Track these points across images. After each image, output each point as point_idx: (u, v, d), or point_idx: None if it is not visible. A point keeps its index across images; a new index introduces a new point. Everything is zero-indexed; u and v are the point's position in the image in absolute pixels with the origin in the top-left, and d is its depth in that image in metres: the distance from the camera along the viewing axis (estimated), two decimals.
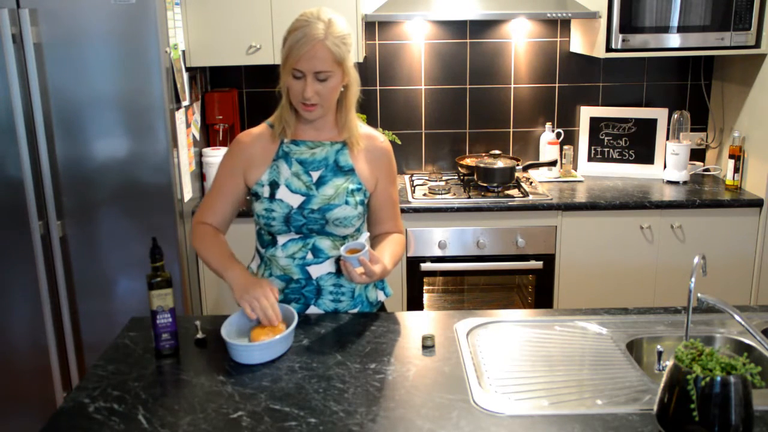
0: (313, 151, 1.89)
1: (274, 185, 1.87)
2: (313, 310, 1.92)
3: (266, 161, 1.90)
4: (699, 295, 1.57)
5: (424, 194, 3.21)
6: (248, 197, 1.95)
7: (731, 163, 3.26)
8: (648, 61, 3.57)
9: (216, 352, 1.71)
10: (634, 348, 1.76)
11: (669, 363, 1.35)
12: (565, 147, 3.55)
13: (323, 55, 1.75)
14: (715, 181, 3.42)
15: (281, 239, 1.90)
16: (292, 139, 1.90)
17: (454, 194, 3.23)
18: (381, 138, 1.96)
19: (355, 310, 1.95)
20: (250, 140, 1.93)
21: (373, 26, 3.49)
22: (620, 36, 3.09)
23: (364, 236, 1.86)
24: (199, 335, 1.77)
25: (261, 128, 1.95)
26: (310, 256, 1.89)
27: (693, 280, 1.54)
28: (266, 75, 3.47)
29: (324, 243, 1.89)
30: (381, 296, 2.02)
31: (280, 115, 1.89)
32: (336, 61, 1.76)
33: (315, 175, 1.88)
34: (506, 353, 1.71)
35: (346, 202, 1.86)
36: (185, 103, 2.97)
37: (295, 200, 1.86)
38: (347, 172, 1.89)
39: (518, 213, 3.09)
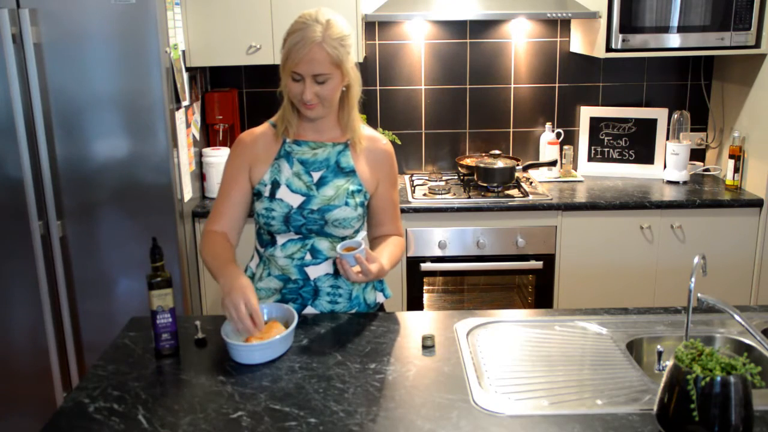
0: (314, 152, 1.89)
1: (275, 184, 1.87)
2: (310, 310, 1.92)
3: (268, 160, 1.90)
4: (699, 295, 1.57)
5: (424, 194, 3.21)
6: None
7: (731, 163, 3.26)
8: (648, 61, 3.57)
9: (216, 352, 1.71)
10: (634, 348, 1.76)
11: (669, 363, 1.35)
12: (565, 147, 3.55)
13: (321, 58, 1.74)
14: (715, 181, 3.42)
15: (280, 239, 1.89)
16: (294, 139, 1.90)
17: (454, 194, 3.23)
18: (383, 140, 1.96)
19: (353, 312, 1.95)
20: (252, 139, 1.93)
21: (373, 26, 3.49)
22: (620, 36, 3.09)
23: (361, 234, 1.86)
24: (199, 335, 1.77)
25: (263, 127, 1.96)
26: (308, 256, 1.89)
27: (693, 280, 1.54)
28: (266, 75, 3.47)
29: (323, 244, 1.89)
30: (380, 298, 2.01)
31: (283, 115, 1.90)
32: (334, 63, 1.76)
33: (316, 175, 1.88)
34: (506, 353, 1.71)
35: (346, 203, 1.86)
36: (185, 103, 2.97)
37: (295, 200, 1.86)
38: (348, 173, 1.89)
39: (518, 213, 3.09)
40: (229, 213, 1.92)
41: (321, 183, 1.87)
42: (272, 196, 1.86)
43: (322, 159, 1.89)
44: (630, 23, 3.08)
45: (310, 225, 1.86)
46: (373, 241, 2.00)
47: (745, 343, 1.76)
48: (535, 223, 3.10)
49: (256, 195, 1.90)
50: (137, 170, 2.75)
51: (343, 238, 1.89)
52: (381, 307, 2.05)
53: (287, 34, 1.78)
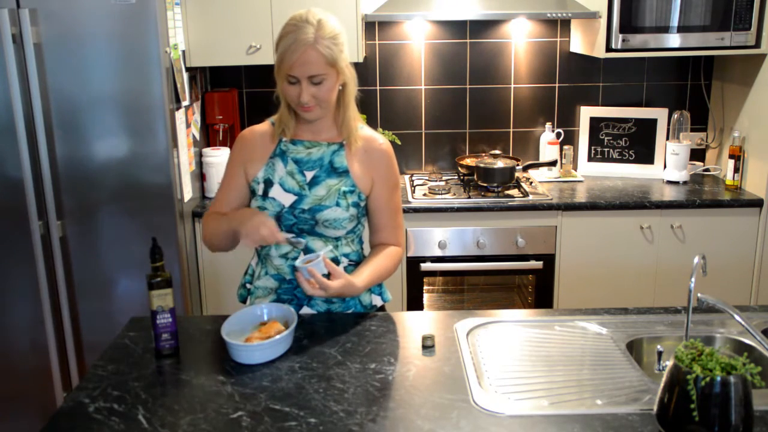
0: (309, 151, 1.89)
1: (268, 183, 1.87)
2: (306, 310, 1.92)
3: (264, 158, 1.90)
4: (699, 295, 1.57)
5: (424, 194, 3.21)
6: None
7: (731, 163, 3.26)
8: (648, 61, 3.57)
9: (216, 352, 1.71)
10: (634, 348, 1.76)
11: (669, 363, 1.35)
12: (565, 147, 3.55)
13: (315, 59, 1.74)
14: (715, 181, 3.42)
15: None
16: (291, 138, 1.90)
17: (454, 194, 3.23)
18: (380, 140, 1.95)
19: (353, 312, 1.95)
20: (251, 137, 1.95)
21: (373, 26, 3.49)
22: (620, 36, 3.09)
23: (326, 248, 1.84)
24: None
25: (264, 126, 1.96)
26: (301, 257, 1.88)
27: (693, 280, 1.54)
28: (266, 75, 3.42)
29: (316, 244, 1.88)
30: (377, 301, 2.00)
31: (280, 118, 1.90)
32: (328, 63, 1.75)
33: (309, 175, 1.88)
34: (506, 353, 1.71)
35: (338, 204, 1.85)
36: (185, 103, 2.97)
37: (288, 199, 1.86)
38: (341, 173, 1.88)
39: (518, 213, 3.09)
40: (228, 205, 1.93)
41: (313, 182, 1.87)
42: (265, 195, 1.87)
43: (316, 158, 1.89)
44: (630, 23, 3.08)
45: (301, 224, 1.86)
46: (372, 250, 1.98)
47: (745, 343, 1.76)
48: (535, 223, 3.10)
49: (252, 193, 1.91)
50: (137, 170, 2.75)
51: (337, 239, 1.89)
52: (381, 308, 2.04)
53: (279, 37, 1.78)
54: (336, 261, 1.90)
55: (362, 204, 1.91)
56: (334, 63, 1.77)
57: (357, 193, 1.89)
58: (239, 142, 1.96)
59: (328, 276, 1.76)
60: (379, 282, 1.94)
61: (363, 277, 1.84)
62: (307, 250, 1.88)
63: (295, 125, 1.90)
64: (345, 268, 1.91)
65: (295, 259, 1.87)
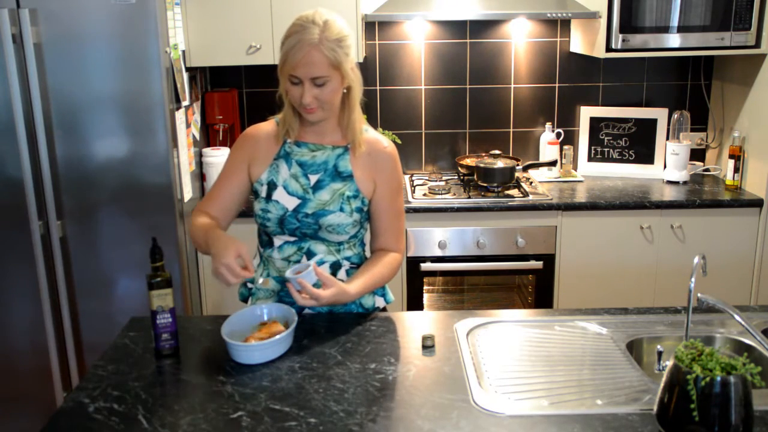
0: (313, 154, 1.89)
1: (272, 185, 1.87)
2: (308, 312, 1.92)
3: (268, 159, 1.89)
4: (699, 295, 1.57)
5: (424, 194, 3.21)
6: (250, 196, 1.95)
7: (731, 163, 3.26)
8: (648, 61, 3.57)
9: (216, 352, 1.71)
10: (634, 348, 1.76)
11: (669, 363, 1.35)
12: (565, 147, 3.55)
13: (319, 61, 1.72)
14: (715, 181, 3.42)
15: (277, 241, 1.89)
16: (295, 140, 1.90)
17: (454, 194, 3.23)
18: (385, 143, 1.93)
19: (353, 312, 1.94)
20: (257, 135, 1.93)
21: (373, 26, 3.49)
22: (620, 36, 3.09)
23: (316, 258, 1.84)
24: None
25: (269, 125, 1.95)
26: (304, 260, 1.88)
27: (693, 280, 1.54)
28: (266, 75, 3.46)
29: (318, 248, 1.88)
30: (379, 302, 1.99)
31: (284, 118, 1.89)
32: (332, 65, 1.74)
33: (313, 178, 1.87)
34: (506, 353, 1.71)
35: (341, 209, 1.84)
36: (185, 103, 2.97)
37: (291, 203, 1.85)
38: (345, 178, 1.87)
39: (518, 213, 3.09)
40: (222, 199, 1.92)
41: (317, 186, 1.86)
42: (269, 197, 1.86)
43: (321, 162, 1.88)
44: (630, 23, 3.08)
45: (304, 229, 1.86)
46: (371, 255, 1.97)
47: (745, 343, 1.76)
48: (535, 223, 3.10)
49: (254, 194, 1.90)
50: (137, 170, 2.75)
51: (339, 244, 1.89)
52: (383, 309, 2.04)
53: (284, 37, 1.76)
54: (338, 265, 1.90)
55: (365, 209, 1.91)
56: (338, 65, 1.74)
57: (360, 198, 1.88)
58: (244, 139, 1.94)
59: (319, 285, 1.75)
60: (373, 289, 1.92)
61: (357, 284, 1.83)
62: (310, 254, 1.88)
63: (300, 127, 1.90)
64: (347, 271, 1.92)
65: (298, 262, 1.87)
